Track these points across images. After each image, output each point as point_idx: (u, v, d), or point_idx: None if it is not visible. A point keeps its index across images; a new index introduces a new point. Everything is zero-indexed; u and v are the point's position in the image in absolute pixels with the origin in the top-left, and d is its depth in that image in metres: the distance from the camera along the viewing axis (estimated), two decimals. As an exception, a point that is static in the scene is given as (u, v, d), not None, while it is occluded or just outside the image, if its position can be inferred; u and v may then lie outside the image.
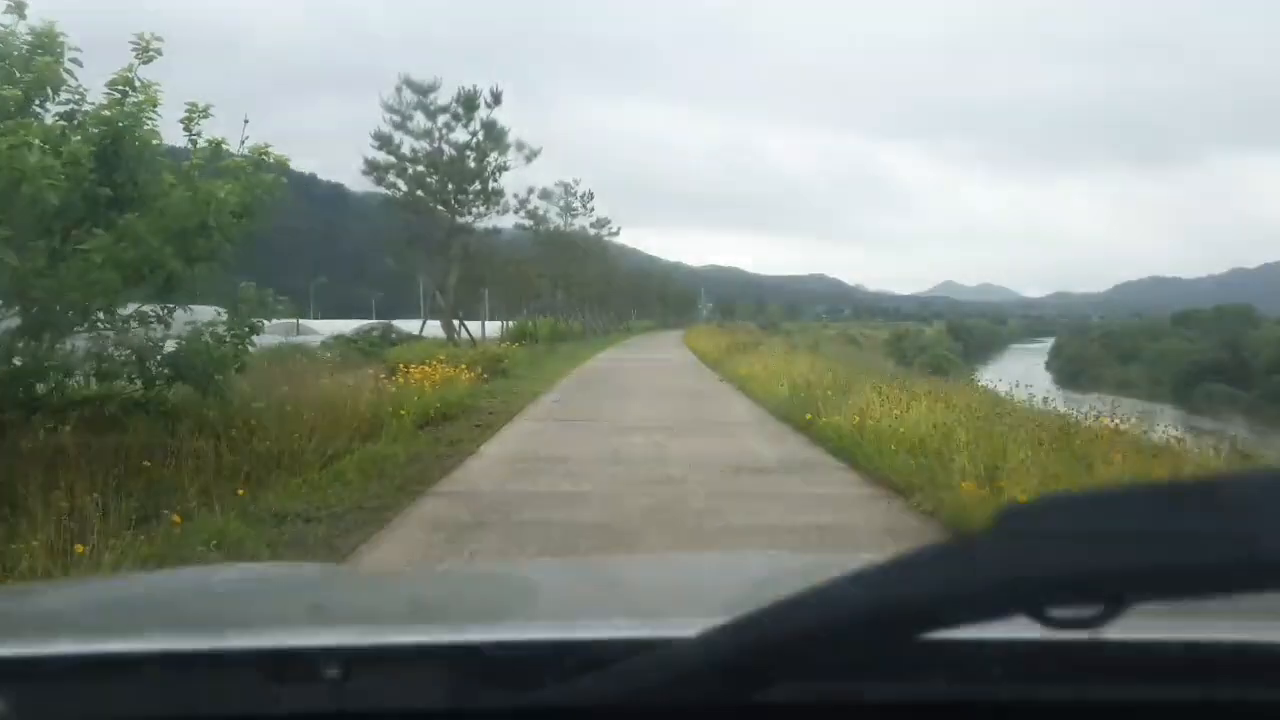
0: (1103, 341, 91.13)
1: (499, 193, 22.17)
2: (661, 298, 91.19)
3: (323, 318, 57.92)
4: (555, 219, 39.53)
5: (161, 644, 0.94)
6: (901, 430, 8.73)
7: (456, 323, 23.13)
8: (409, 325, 33.32)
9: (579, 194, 40.26)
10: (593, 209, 40.95)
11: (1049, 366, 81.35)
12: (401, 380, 12.28)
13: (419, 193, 21.42)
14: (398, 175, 21.09)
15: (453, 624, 1.09)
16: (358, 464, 8.73)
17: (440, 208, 21.39)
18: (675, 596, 1.40)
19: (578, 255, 40.51)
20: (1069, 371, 75.39)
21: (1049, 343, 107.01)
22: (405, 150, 21.15)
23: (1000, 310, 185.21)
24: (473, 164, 21.47)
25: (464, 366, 14.01)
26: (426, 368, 13.01)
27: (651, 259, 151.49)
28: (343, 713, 0.83)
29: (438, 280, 22.21)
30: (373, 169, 20.83)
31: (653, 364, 26.49)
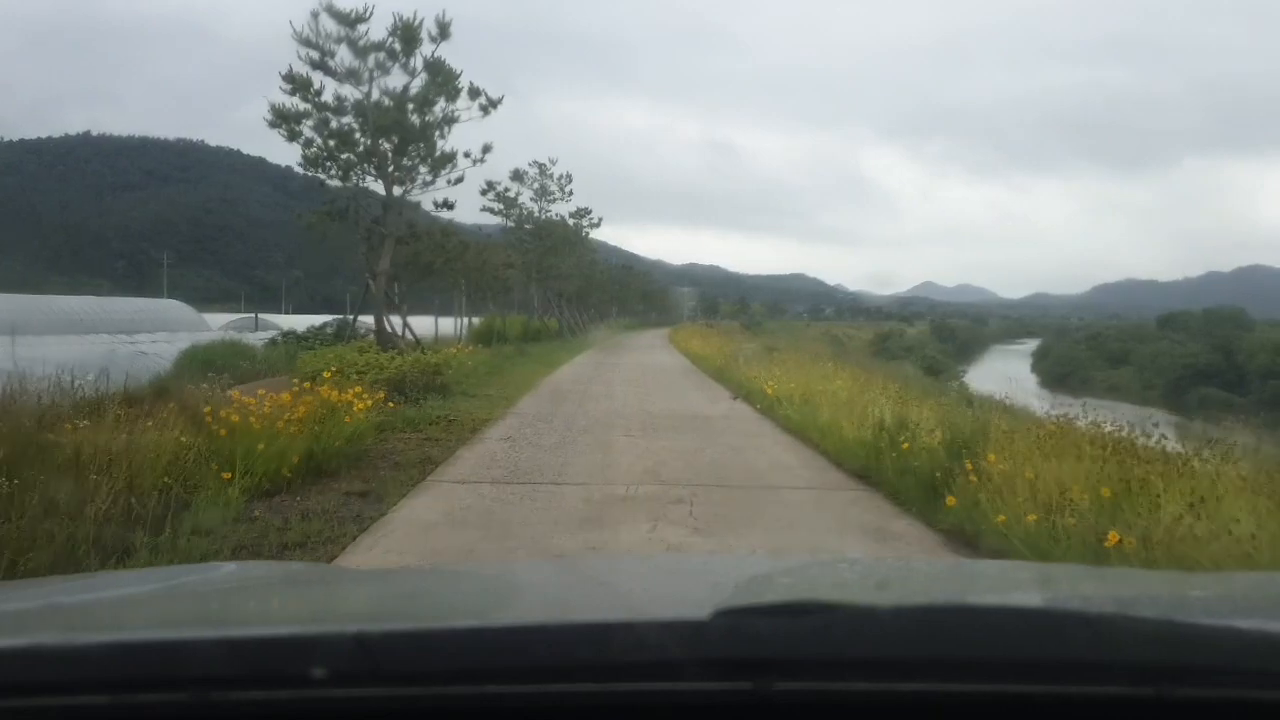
0: (1090, 344, 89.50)
1: (449, 156, 17.02)
2: (644, 295, 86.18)
3: (295, 312, 53.09)
4: (529, 204, 34.28)
5: (146, 637, 0.91)
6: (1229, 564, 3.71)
7: (399, 320, 17.99)
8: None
9: (556, 176, 34.98)
10: (571, 192, 35.68)
11: (1035, 368, 79.85)
12: (237, 418, 7.16)
13: (345, 154, 16.27)
14: (315, 129, 15.93)
15: (444, 620, 1.05)
16: None
17: (372, 172, 16.23)
18: (667, 593, 1.32)
19: (555, 244, 35.24)
20: (1056, 374, 74.27)
21: (1030, 344, 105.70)
22: (327, 98, 16.02)
23: (979, 311, 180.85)
24: (414, 117, 16.33)
25: (357, 389, 8.81)
26: (286, 395, 7.82)
27: (633, 256, 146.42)
28: (331, 710, 0.80)
29: (371, 265, 17.02)
30: (281, 119, 15.63)
31: (643, 372, 21.31)
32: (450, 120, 16.36)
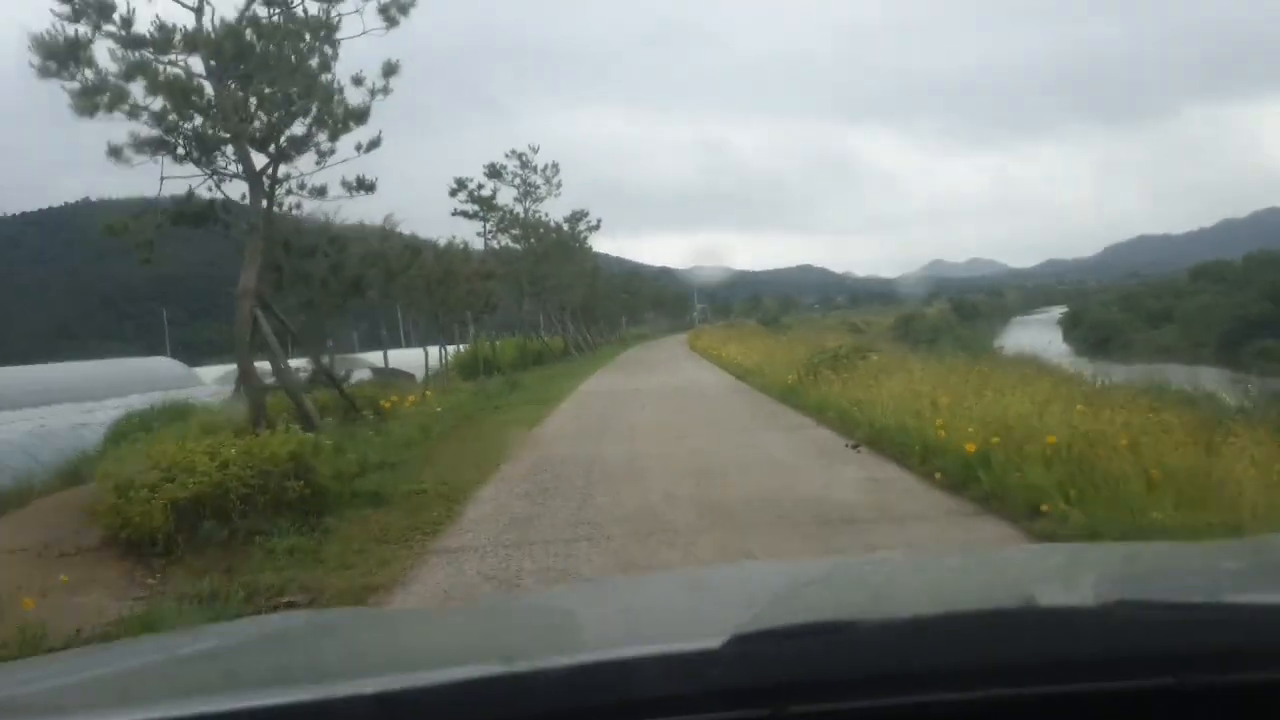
0: (1122, 305, 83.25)
1: (360, 112, 10.62)
2: (657, 302, 79.74)
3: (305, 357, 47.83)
4: (512, 204, 27.89)
5: (178, 714, 0.90)
6: None
7: (305, 363, 11.71)
8: (399, 356, 22.98)
9: (540, 168, 28.58)
10: (559, 184, 29.24)
11: (1067, 337, 73.57)
12: None
13: (189, 121, 9.94)
14: (131, 74, 9.55)
15: (462, 665, 1.04)
16: None
17: (220, 134, 9.87)
18: (688, 617, 1.29)
19: (548, 250, 28.83)
20: (1093, 340, 68.22)
21: (1052, 312, 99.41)
22: (145, 29, 9.66)
23: (992, 283, 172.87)
24: (288, 50, 10.02)
25: None
26: None
27: (637, 265, 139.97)
28: None
29: (258, 280, 10.67)
30: (52, 59, 9.17)
31: (680, 402, 14.59)
32: (329, 29, 9.90)
